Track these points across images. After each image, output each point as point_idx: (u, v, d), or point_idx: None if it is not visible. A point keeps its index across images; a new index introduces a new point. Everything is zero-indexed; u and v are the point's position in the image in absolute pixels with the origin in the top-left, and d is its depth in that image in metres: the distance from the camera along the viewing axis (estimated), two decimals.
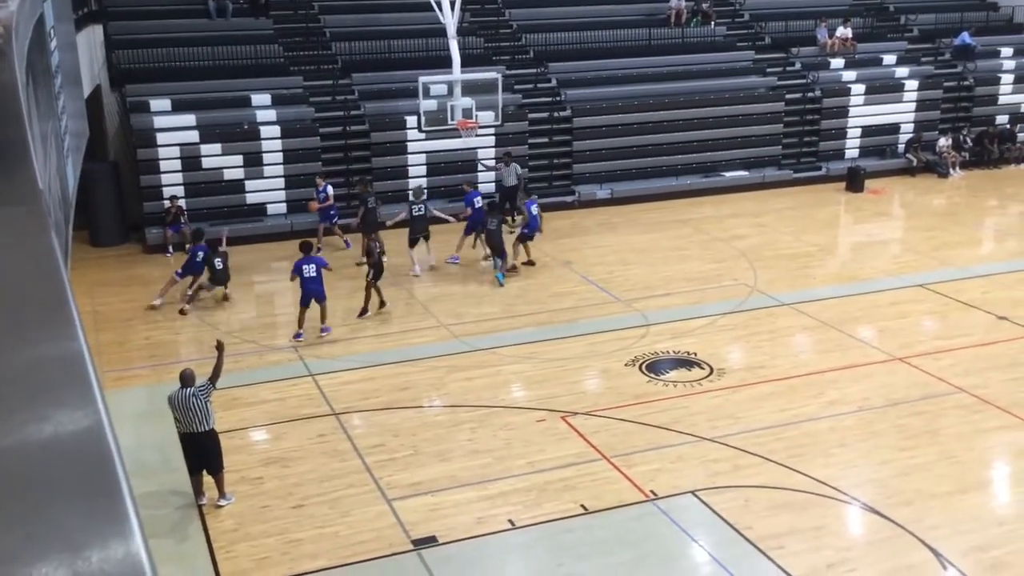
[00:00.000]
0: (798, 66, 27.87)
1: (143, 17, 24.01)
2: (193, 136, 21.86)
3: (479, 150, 23.60)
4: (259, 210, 22.29)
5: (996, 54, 29.65)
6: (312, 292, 15.96)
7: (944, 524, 10.77)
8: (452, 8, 21.73)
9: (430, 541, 10.56)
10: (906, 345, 15.77)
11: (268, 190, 22.44)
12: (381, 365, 15.26)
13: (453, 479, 11.84)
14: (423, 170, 23.51)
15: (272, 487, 11.75)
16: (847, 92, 27.35)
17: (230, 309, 18.01)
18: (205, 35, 23.98)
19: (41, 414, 1.90)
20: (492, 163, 23.04)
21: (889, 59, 28.54)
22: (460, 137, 22.08)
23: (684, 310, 17.42)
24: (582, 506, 11.19)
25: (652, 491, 11.46)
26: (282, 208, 22.43)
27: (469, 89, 21.67)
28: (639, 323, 16.83)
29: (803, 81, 27.50)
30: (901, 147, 27.81)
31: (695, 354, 15.44)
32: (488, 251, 19.50)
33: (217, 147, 21.96)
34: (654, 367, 14.99)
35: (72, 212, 10.54)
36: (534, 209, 19.57)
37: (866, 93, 27.42)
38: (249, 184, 22.28)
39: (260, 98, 23.00)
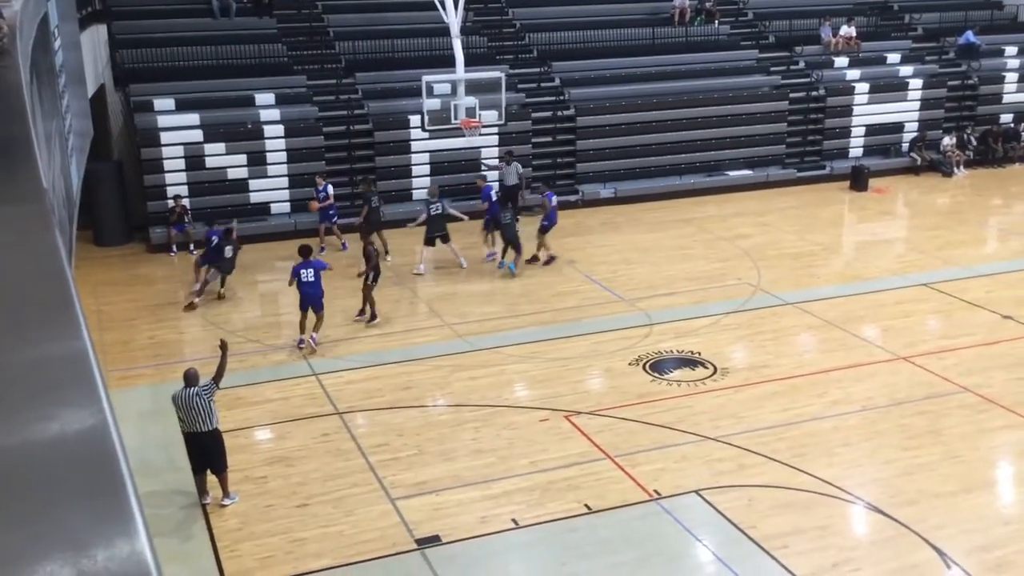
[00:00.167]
0: (802, 65, 27.84)
1: (147, 16, 24.03)
2: (197, 135, 21.88)
3: (483, 149, 23.60)
4: (263, 209, 22.31)
5: (1000, 53, 29.60)
6: (310, 298, 15.65)
7: (948, 524, 10.75)
8: (456, 7, 21.71)
9: (434, 540, 10.56)
10: (910, 344, 15.75)
11: (272, 189, 22.46)
12: (385, 364, 15.26)
13: (457, 478, 11.84)
14: (426, 169, 23.52)
15: (276, 486, 11.76)
16: (851, 91, 27.31)
17: (234, 308, 18.03)
18: (209, 34, 24.00)
19: (46, 413, 1.90)
20: (494, 162, 23.04)
21: (893, 58, 28.51)
22: (464, 136, 22.07)
23: (688, 309, 17.41)
24: (586, 505, 11.19)
25: (656, 490, 11.45)
26: (286, 207, 22.44)
27: (473, 88, 21.66)
28: (643, 322, 16.82)
29: (807, 80, 27.47)
30: (905, 146, 27.76)
31: (699, 353, 15.43)
32: (496, 247, 19.75)
33: (221, 146, 21.98)
34: (658, 366, 14.98)
35: (76, 211, 10.56)
36: (553, 200, 19.75)
37: (870, 92, 27.38)
38: (253, 183, 22.29)
39: (264, 97, 23.02)
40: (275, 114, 22.70)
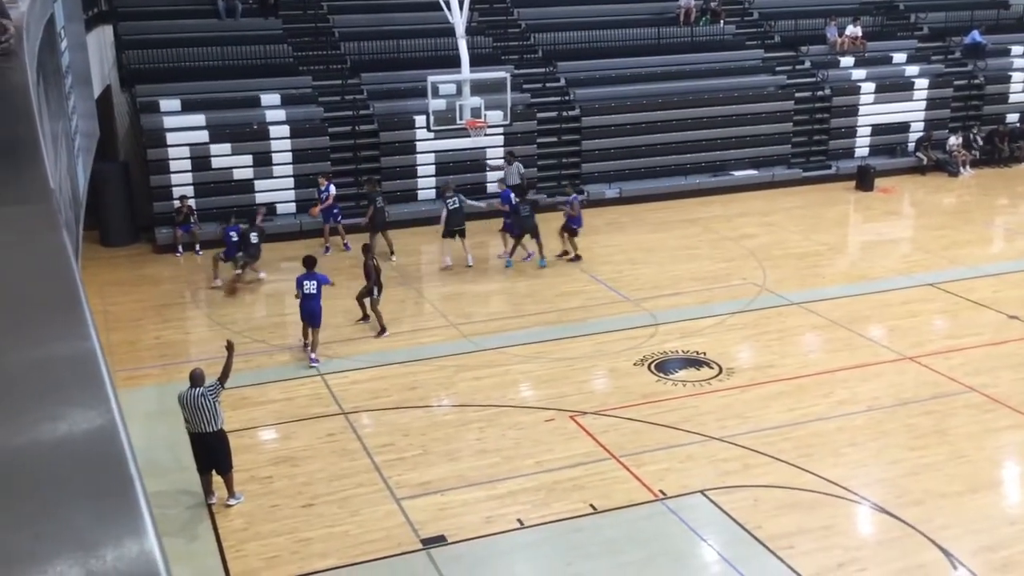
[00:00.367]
0: (808, 65, 27.81)
1: (153, 17, 24.07)
2: (203, 136, 21.91)
3: (488, 149, 23.60)
4: (268, 210, 22.31)
5: (1007, 52, 29.53)
6: (310, 311, 15.23)
7: (954, 524, 10.73)
8: (461, 8, 21.72)
9: (439, 540, 10.57)
10: (916, 344, 15.72)
11: (277, 190, 22.48)
12: (390, 364, 15.27)
13: (462, 478, 11.85)
14: (432, 170, 23.53)
15: (282, 486, 11.77)
16: (857, 91, 27.27)
17: (240, 308, 18.06)
18: (215, 35, 24.04)
19: (54, 413, 1.91)
20: (498, 162, 23.03)
21: (899, 57, 28.46)
22: (469, 136, 22.09)
23: (693, 309, 17.40)
24: (591, 505, 11.19)
25: (661, 490, 11.45)
26: (291, 208, 22.46)
27: (478, 88, 21.67)
28: (648, 322, 16.81)
29: (813, 80, 27.44)
30: (911, 146, 27.72)
31: (704, 353, 15.42)
32: (509, 246, 19.94)
33: (227, 147, 22.01)
34: (663, 366, 14.97)
35: (82, 212, 10.58)
36: (578, 202, 19.94)
37: (876, 92, 27.34)
38: (258, 184, 22.32)
39: (269, 98, 23.05)
40: (281, 114, 22.73)
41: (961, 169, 27.24)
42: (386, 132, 23.30)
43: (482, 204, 20.69)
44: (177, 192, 21.56)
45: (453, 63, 22.03)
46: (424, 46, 24.67)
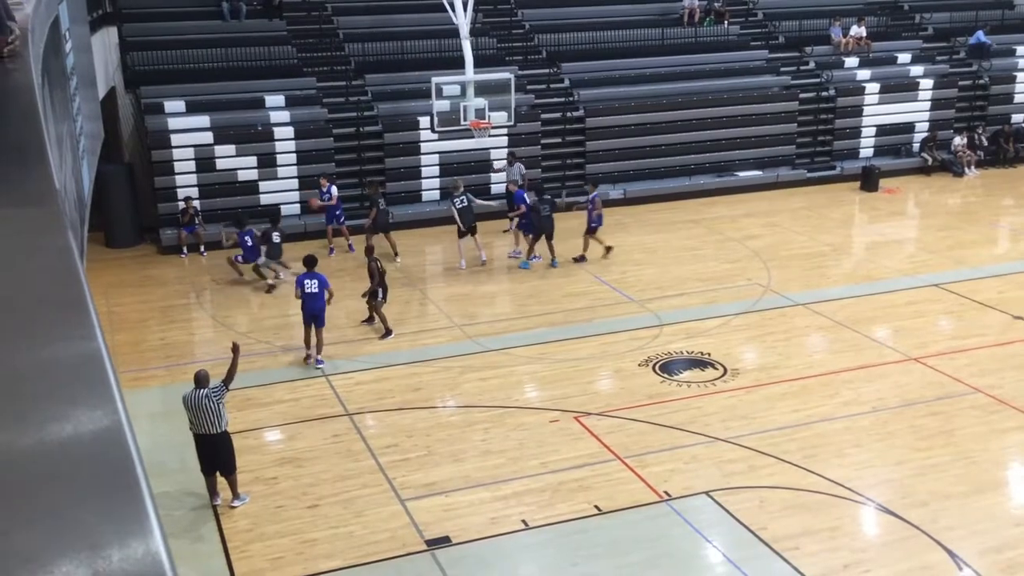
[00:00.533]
0: (812, 65, 27.79)
1: (157, 19, 24.12)
2: (207, 137, 21.94)
3: (492, 150, 23.60)
4: (273, 211, 22.32)
5: (1012, 52, 29.49)
6: (312, 311, 15.03)
7: (960, 525, 10.71)
8: (465, 9, 21.73)
9: (444, 541, 10.57)
10: (921, 345, 15.70)
11: (282, 191, 22.50)
12: (394, 366, 15.28)
13: (467, 479, 11.85)
14: (436, 171, 23.54)
15: (286, 487, 11.78)
16: (861, 91, 27.24)
17: (244, 309, 18.08)
18: (219, 37, 24.07)
19: (60, 413, 1.91)
20: (502, 164, 23.03)
21: (904, 58, 28.43)
22: (473, 137, 22.08)
23: (698, 310, 17.39)
24: (596, 507, 11.18)
25: (666, 492, 11.43)
26: (296, 209, 22.47)
27: (482, 89, 21.66)
28: (652, 323, 16.80)
29: (817, 80, 27.41)
30: (916, 146, 27.69)
31: (709, 354, 15.41)
32: (523, 246, 20.04)
33: (231, 148, 22.04)
34: (668, 367, 14.96)
35: (87, 213, 10.60)
36: (598, 201, 19.98)
37: (880, 92, 27.31)
38: (263, 185, 22.35)
39: (274, 99, 23.07)
40: (285, 116, 22.75)
41: (966, 169, 27.20)
42: (390, 133, 23.32)
43: (494, 204, 20.75)
44: (182, 193, 21.59)
45: (457, 64, 22.04)
46: (428, 47, 24.69)
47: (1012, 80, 28.91)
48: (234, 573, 10.14)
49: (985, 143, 27.99)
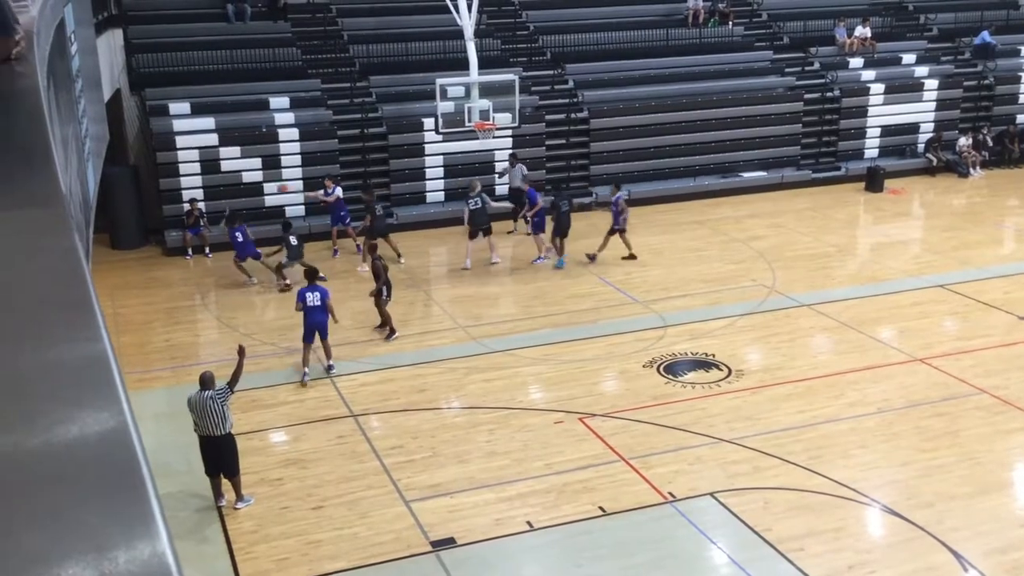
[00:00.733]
0: (817, 66, 27.76)
1: (162, 21, 24.16)
2: (212, 139, 21.98)
3: (496, 152, 23.61)
4: (277, 213, 22.37)
5: (1017, 53, 29.44)
6: (315, 324, 14.76)
7: (965, 526, 10.70)
8: (469, 10, 21.75)
9: (448, 543, 10.58)
10: (926, 346, 15.67)
11: (287, 192, 22.51)
12: (399, 367, 15.29)
13: (471, 481, 11.85)
14: (440, 172, 23.56)
15: (291, 488, 11.79)
16: (866, 92, 27.21)
17: (249, 311, 18.10)
18: (223, 39, 24.11)
19: (66, 415, 1.91)
20: (504, 166, 23.03)
21: (908, 58, 28.39)
22: (477, 139, 22.11)
23: (702, 311, 17.38)
24: (600, 508, 11.18)
25: (670, 493, 11.43)
26: (300, 210, 22.49)
27: (486, 91, 21.68)
28: (657, 324, 16.79)
29: (822, 81, 27.39)
30: (921, 147, 27.64)
31: (713, 355, 15.40)
32: (544, 248, 20.08)
33: (236, 150, 22.07)
34: (672, 368, 14.95)
35: (92, 215, 10.61)
36: (622, 200, 20.00)
37: (885, 92, 27.28)
38: (268, 187, 22.38)
39: (278, 101, 23.10)
40: (290, 118, 22.78)
41: (971, 170, 27.15)
42: (395, 135, 23.34)
43: (510, 205, 20.85)
44: (187, 195, 21.63)
45: (462, 66, 22.05)
46: (433, 49, 24.71)
47: (1017, 80, 28.87)
48: (239, 574, 10.16)
49: (990, 143, 27.94)
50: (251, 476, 11.78)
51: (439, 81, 21.44)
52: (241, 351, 11.99)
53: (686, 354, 15.49)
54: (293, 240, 18.99)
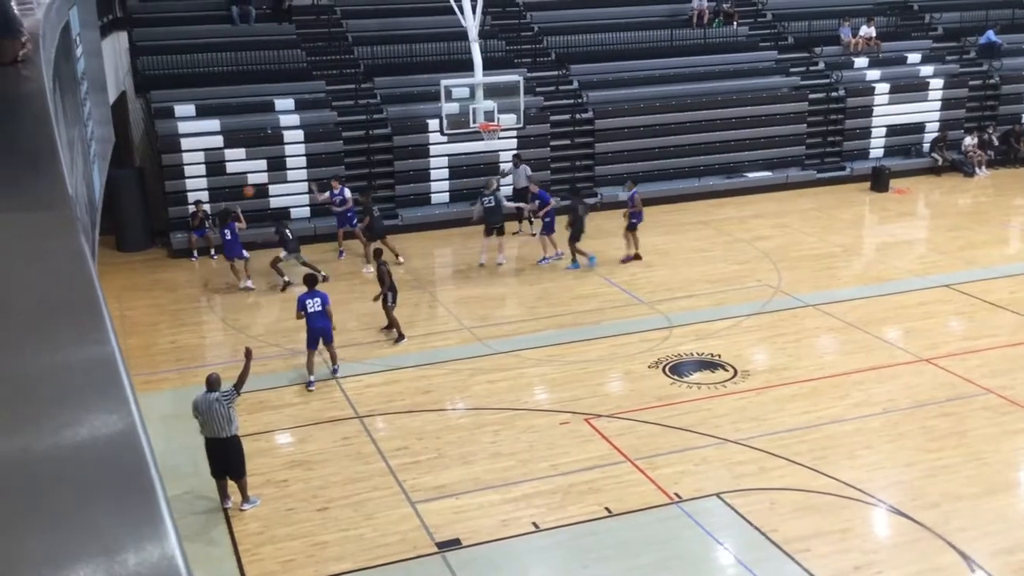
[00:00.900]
0: (821, 66, 27.73)
1: (167, 24, 24.20)
2: (217, 141, 22.01)
3: (501, 152, 23.61)
4: (283, 214, 22.35)
5: (1022, 52, 29.35)
6: (318, 330, 14.61)
7: (971, 526, 10.67)
8: (473, 11, 21.76)
9: (454, 544, 10.58)
10: (932, 346, 15.65)
11: (292, 194, 22.55)
12: (404, 368, 15.29)
13: (477, 482, 11.85)
14: (445, 173, 23.56)
15: (297, 490, 11.80)
16: (871, 91, 27.17)
17: (255, 312, 18.12)
18: (229, 41, 24.14)
19: (75, 417, 1.92)
20: (508, 167, 23.03)
21: (914, 58, 28.34)
22: (482, 140, 22.11)
23: (707, 312, 17.36)
24: (606, 509, 11.17)
25: (676, 493, 11.42)
26: (305, 212, 22.52)
27: (491, 92, 21.69)
28: (662, 325, 16.78)
29: (827, 81, 27.36)
30: (926, 146, 27.60)
31: (719, 356, 15.38)
32: (558, 249, 20.11)
33: (241, 152, 22.10)
34: (678, 369, 14.94)
35: (98, 217, 10.64)
36: (636, 197, 20.02)
37: (890, 92, 27.23)
38: (273, 188, 22.40)
39: (283, 103, 23.12)
40: (294, 119, 22.80)
41: (976, 170, 27.10)
42: (399, 136, 23.35)
43: (524, 205, 20.90)
44: (192, 197, 21.67)
45: (466, 67, 22.06)
46: (437, 50, 24.72)
47: (1022, 80, 28.79)
48: None
49: (996, 143, 27.87)
50: (257, 477, 11.79)
51: (443, 82, 21.46)
52: (248, 353, 12.00)
53: (691, 355, 15.48)
54: (289, 234, 19.04)
